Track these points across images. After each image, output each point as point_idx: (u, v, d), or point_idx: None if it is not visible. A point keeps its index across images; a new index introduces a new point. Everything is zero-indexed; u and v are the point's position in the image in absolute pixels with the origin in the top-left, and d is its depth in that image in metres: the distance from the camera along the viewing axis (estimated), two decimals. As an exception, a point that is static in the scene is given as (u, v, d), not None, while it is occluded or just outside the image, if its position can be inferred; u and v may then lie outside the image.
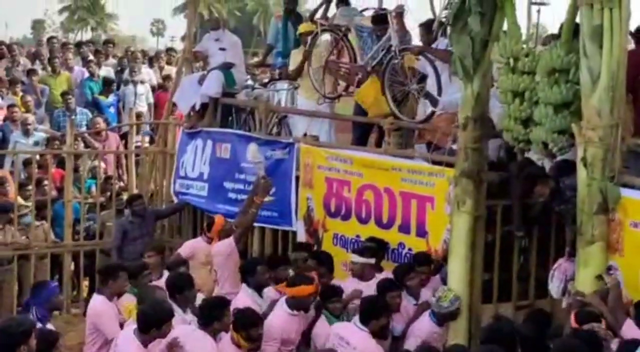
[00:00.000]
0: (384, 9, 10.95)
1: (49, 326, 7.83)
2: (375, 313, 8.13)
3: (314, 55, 11.61)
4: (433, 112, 9.92)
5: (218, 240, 10.44)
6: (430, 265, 9.16)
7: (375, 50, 10.72)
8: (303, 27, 11.97)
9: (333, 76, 11.51)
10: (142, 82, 17.02)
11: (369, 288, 8.94)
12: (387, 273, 9.22)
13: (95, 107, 16.29)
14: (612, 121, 7.60)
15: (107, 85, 16.74)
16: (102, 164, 13.86)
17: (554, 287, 8.34)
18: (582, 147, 7.70)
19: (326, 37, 11.61)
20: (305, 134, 11.22)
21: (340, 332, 8.15)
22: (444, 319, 8.47)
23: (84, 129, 15.24)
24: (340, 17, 11.25)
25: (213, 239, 10.54)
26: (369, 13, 11.33)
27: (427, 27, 10.56)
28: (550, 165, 8.64)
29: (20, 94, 15.83)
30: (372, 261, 9.32)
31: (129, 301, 8.77)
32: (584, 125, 7.69)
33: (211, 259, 10.27)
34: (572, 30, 8.04)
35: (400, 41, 10.42)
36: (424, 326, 8.47)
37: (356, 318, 8.18)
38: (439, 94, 9.80)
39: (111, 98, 16.57)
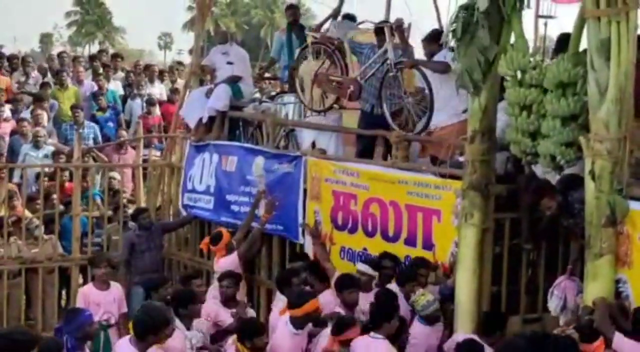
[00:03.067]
0: (383, 22, 10.90)
1: None
2: (386, 315, 8.12)
3: (302, 67, 11.57)
4: (426, 127, 9.97)
5: (224, 254, 10.43)
6: (429, 268, 9.21)
7: (370, 63, 10.73)
8: (310, 39, 11.96)
9: (322, 89, 11.46)
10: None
11: (366, 299, 8.98)
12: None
13: (95, 122, 16.31)
14: (620, 134, 7.57)
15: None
16: (117, 176, 13.89)
17: (553, 304, 8.31)
18: (590, 160, 7.68)
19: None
20: (313, 146, 11.19)
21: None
22: (429, 320, 8.58)
23: (90, 142, 15.28)
24: (334, 30, 11.22)
25: (218, 253, 10.53)
26: (365, 26, 11.24)
27: (429, 39, 10.55)
28: (556, 179, 8.62)
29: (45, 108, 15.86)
30: (374, 273, 9.36)
31: None
32: (592, 138, 7.67)
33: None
34: (579, 43, 8.04)
35: (400, 54, 10.41)
36: (416, 330, 8.61)
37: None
38: (432, 107, 9.84)
39: (108, 113, 16.58)
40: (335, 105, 11.45)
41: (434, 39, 10.51)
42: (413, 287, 8.88)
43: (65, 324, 7.76)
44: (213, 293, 9.99)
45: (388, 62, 10.38)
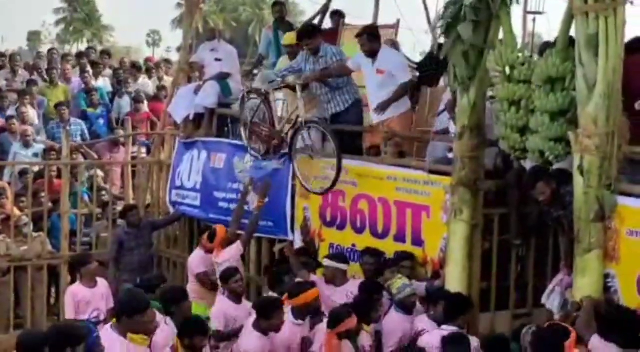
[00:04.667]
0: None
1: None
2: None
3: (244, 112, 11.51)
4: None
5: (221, 249, 10.42)
6: (413, 261, 9.26)
7: (285, 121, 10.80)
8: (287, 39, 11.89)
9: (258, 138, 11.38)
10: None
11: (339, 293, 9.16)
12: (353, 282, 9.31)
13: (85, 119, 16.26)
14: (609, 129, 7.59)
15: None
16: (100, 173, 13.86)
17: (555, 302, 8.30)
18: (579, 155, 7.70)
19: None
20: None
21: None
22: (405, 307, 8.64)
23: (78, 139, 15.24)
24: (259, 81, 11.20)
25: (215, 249, 10.50)
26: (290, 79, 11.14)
27: (369, 36, 10.53)
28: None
29: (28, 105, 15.82)
30: (344, 267, 9.43)
31: None
32: (581, 133, 7.68)
33: (212, 268, 10.29)
34: (568, 38, 8.05)
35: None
36: (392, 319, 8.66)
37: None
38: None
39: (99, 110, 16.54)
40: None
41: (373, 36, 10.52)
42: (393, 274, 8.92)
43: None
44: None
45: (299, 120, 10.51)
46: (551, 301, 8.39)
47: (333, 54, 10.76)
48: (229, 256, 10.22)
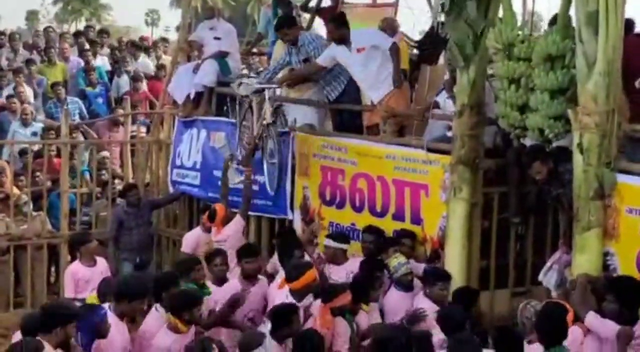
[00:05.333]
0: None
1: None
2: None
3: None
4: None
5: (221, 227, 10.42)
6: (413, 239, 9.26)
7: (258, 125, 10.79)
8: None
9: (240, 143, 11.37)
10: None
11: (339, 272, 9.17)
12: (353, 260, 9.31)
13: (84, 98, 16.23)
14: (608, 107, 7.59)
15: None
16: (105, 153, 13.86)
17: (552, 280, 8.33)
18: (578, 133, 7.70)
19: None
20: (294, 121, 11.17)
21: None
22: (403, 286, 8.65)
23: (76, 118, 15.21)
24: (243, 90, 11.18)
25: (217, 228, 10.50)
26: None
27: (336, 22, 10.55)
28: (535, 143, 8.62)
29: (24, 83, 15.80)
30: (345, 246, 9.45)
31: None
32: (580, 111, 7.68)
33: (212, 247, 10.30)
34: (568, 16, 8.03)
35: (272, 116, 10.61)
36: (392, 297, 8.68)
37: None
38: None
39: (98, 89, 16.50)
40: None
41: (341, 22, 10.51)
42: (394, 252, 8.94)
43: (79, 321, 7.22)
44: None
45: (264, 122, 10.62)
46: (548, 278, 8.41)
47: (310, 42, 10.82)
48: (231, 231, 10.23)
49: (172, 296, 8.06)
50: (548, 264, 8.48)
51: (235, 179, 10.89)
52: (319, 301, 8.25)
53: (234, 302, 8.55)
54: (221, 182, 11.12)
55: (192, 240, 10.70)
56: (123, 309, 7.61)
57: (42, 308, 6.97)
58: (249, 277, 9.13)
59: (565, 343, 6.86)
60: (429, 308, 8.32)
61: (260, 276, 9.31)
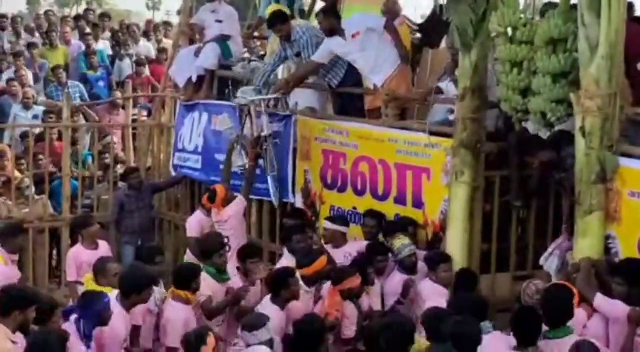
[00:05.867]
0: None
1: (92, 345, 7.22)
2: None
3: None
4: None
5: (222, 208, 10.41)
6: (417, 227, 9.27)
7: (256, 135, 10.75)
8: (271, 9, 11.55)
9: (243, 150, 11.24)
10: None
11: (338, 254, 9.15)
12: (352, 243, 9.36)
13: (85, 82, 16.21)
14: (611, 90, 7.58)
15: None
16: (114, 139, 13.87)
17: (553, 265, 8.33)
18: (581, 117, 7.69)
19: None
20: (296, 105, 11.16)
21: None
22: (407, 268, 8.64)
23: (77, 102, 15.18)
24: (240, 97, 11.16)
25: (218, 208, 10.48)
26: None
27: (326, 13, 10.61)
28: (547, 136, 8.62)
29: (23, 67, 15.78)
30: (345, 229, 9.46)
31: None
32: (583, 95, 7.67)
33: (213, 229, 10.31)
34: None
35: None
36: (395, 280, 8.66)
37: None
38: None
39: (100, 72, 16.48)
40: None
41: (331, 13, 10.49)
42: (395, 237, 8.94)
43: (82, 308, 7.23)
44: None
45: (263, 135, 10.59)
46: (549, 263, 8.41)
47: (302, 35, 10.82)
48: (232, 211, 10.23)
49: (175, 271, 8.32)
50: (550, 249, 8.48)
51: (239, 162, 10.87)
52: (329, 283, 8.29)
53: (237, 299, 8.57)
54: (224, 165, 11.08)
55: (195, 224, 10.69)
56: (133, 301, 7.62)
57: (1, 291, 6.89)
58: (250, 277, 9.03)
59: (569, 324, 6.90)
60: (437, 292, 8.34)
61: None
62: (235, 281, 8.95)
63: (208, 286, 8.39)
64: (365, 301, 8.45)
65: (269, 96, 10.88)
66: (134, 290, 7.55)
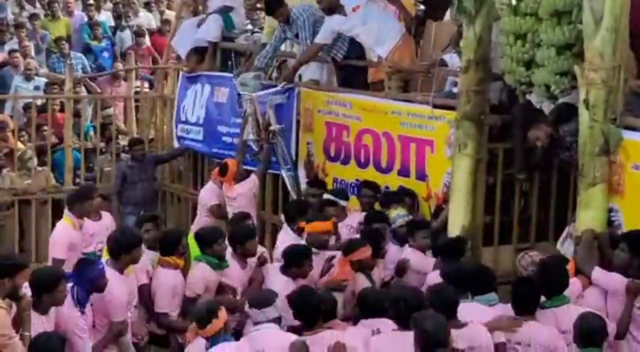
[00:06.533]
0: None
1: (87, 311, 7.24)
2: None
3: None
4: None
5: (233, 183, 10.41)
6: (414, 198, 9.34)
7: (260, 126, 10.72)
8: None
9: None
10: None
11: (340, 228, 9.19)
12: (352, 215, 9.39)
13: (89, 52, 16.18)
14: (615, 63, 7.54)
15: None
16: (110, 111, 13.84)
17: (570, 247, 8.28)
18: (585, 89, 7.66)
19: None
20: (299, 79, 11.12)
21: None
22: (400, 238, 8.70)
23: (79, 73, 15.17)
24: (240, 87, 11.09)
25: (226, 183, 10.48)
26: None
27: None
28: (551, 108, 8.60)
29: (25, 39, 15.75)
30: (344, 203, 9.48)
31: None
32: (587, 67, 7.63)
33: (224, 202, 10.29)
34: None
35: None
36: (390, 251, 8.68)
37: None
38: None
39: (104, 43, 16.44)
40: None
41: None
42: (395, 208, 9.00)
43: (76, 275, 7.19)
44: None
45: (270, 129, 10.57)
46: (566, 247, 8.32)
47: (299, 16, 10.78)
48: (243, 189, 10.27)
49: (160, 238, 8.30)
50: (564, 233, 8.42)
51: (250, 135, 10.80)
52: (339, 254, 8.33)
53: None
54: (239, 138, 11.05)
55: (209, 194, 10.68)
56: (124, 261, 7.64)
57: None
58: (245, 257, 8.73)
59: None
60: (417, 257, 8.47)
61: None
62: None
63: (204, 277, 8.26)
64: (376, 273, 8.45)
65: (273, 90, 10.79)
66: (123, 250, 7.57)
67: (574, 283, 7.18)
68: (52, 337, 6.45)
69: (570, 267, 7.29)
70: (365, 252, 8.15)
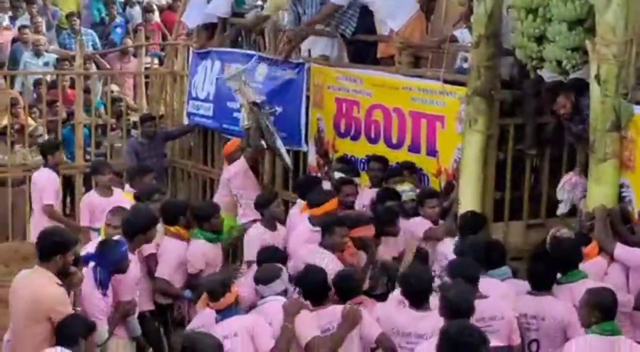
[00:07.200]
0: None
1: (109, 292, 7.26)
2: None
3: None
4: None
5: (227, 164, 10.44)
6: (411, 169, 9.37)
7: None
8: None
9: None
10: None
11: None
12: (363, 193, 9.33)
13: (101, 25, 16.16)
14: (627, 37, 7.55)
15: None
16: (114, 87, 13.83)
17: (563, 197, 8.35)
18: (596, 64, 7.65)
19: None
20: (309, 53, 11.09)
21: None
22: (406, 212, 8.68)
23: (90, 49, 15.16)
24: (231, 80, 11.08)
25: (226, 163, 10.53)
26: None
27: None
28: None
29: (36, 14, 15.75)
30: (356, 179, 9.46)
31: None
32: (598, 42, 7.63)
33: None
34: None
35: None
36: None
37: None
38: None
39: (118, 19, 16.42)
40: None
41: None
42: (397, 183, 9.00)
43: (99, 256, 7.20)
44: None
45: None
46: (560, 196, 8.45)
47: None
48: (234, 170, 10.32)
49: (162, 208, 8.49)
50: (561, 183, 8.50)
51: (245, 122, 10.77)
52: None
53: None
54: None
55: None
56: (139, 241, 7.66)
57: (39, 237, 6.84)
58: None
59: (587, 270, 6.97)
60: (424, 225, 8.52)
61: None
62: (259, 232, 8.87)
63: (203, 253, 8.40)
64: (384, 251, 8.44)
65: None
66: (140, 231, 7.60)
67: (598, 262, 7.20)
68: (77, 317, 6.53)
69: (593, 246, 7.29)
70: (367, 230, 8.13)
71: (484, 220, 8.33)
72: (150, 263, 8.23)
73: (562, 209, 8.45)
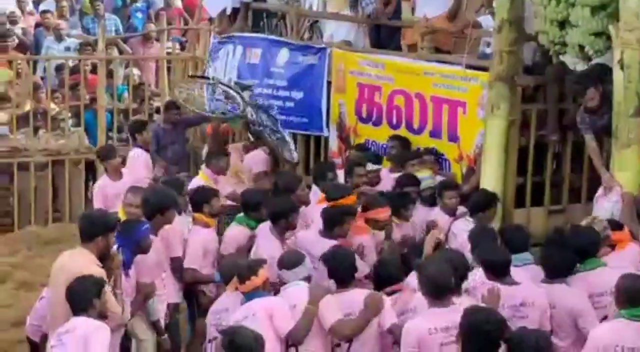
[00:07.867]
0: None
1: (131, 272, 7.26)
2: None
3: None
4: None
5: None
6: (435, 154, 9.42)
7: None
8: None
9: None
10: None
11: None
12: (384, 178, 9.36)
13: (118, 12, 16.19)
14: (651, 23, 7.49)
15: None
16: (136, 71, 13.84)
17: (600, 208, 8.22)
18: (619, 50, 7.63)
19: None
20: (331, 37, 11.07)
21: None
22: (426, 200, 8.73)
23: (112, 34, 15.19)
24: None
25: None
26: None
27: None
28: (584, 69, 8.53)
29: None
30: (377, 166, 9.51)
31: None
32: (622, 27, 7.60)
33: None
34: None
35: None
36: (416, 212, 8.68)
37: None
38: None
39: (140, 3, 16.44)
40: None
41: None
42: (413, 166, 9.03)
43: (121, 236, 7.07)
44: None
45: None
46: (599, 206, 8.24)
47: None
48: (250, 162, 10.54)
49: (189, 195, 8.66)
50: (599, 192, 8.31)
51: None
52: None
53: None
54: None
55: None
56: (158, 222, 7.67)
57: (81, 218, 6.95)
58: None
59: (625, 262, 6.93)
60: (444, 219, 8.44)
61: None
62: None
63: (237, 238, 8.46)
64: (395, 232, 8.43)
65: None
66: (157, 211, 7.60)
67: (630, 250, 7.16)
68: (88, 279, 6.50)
69: (626, 232, 7.26)
70: (382, 212, 8.14)
71: (494, 199, 8.34)
72: (175, 265, 8.21)
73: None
